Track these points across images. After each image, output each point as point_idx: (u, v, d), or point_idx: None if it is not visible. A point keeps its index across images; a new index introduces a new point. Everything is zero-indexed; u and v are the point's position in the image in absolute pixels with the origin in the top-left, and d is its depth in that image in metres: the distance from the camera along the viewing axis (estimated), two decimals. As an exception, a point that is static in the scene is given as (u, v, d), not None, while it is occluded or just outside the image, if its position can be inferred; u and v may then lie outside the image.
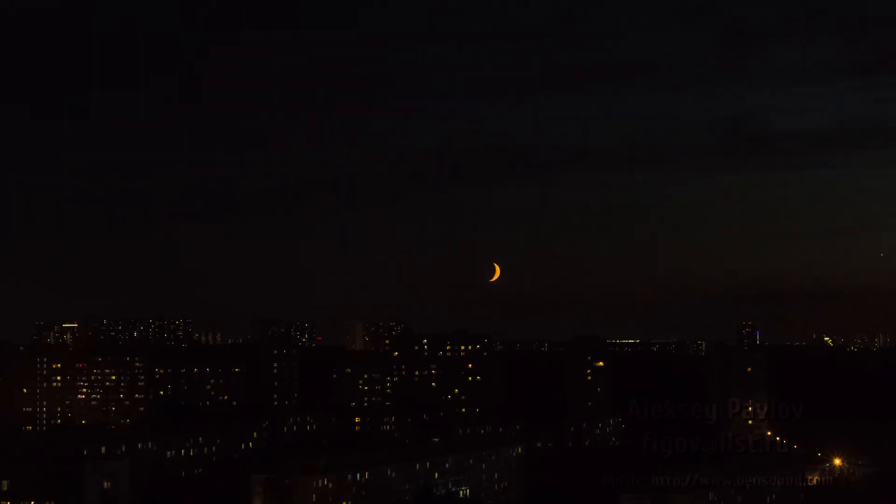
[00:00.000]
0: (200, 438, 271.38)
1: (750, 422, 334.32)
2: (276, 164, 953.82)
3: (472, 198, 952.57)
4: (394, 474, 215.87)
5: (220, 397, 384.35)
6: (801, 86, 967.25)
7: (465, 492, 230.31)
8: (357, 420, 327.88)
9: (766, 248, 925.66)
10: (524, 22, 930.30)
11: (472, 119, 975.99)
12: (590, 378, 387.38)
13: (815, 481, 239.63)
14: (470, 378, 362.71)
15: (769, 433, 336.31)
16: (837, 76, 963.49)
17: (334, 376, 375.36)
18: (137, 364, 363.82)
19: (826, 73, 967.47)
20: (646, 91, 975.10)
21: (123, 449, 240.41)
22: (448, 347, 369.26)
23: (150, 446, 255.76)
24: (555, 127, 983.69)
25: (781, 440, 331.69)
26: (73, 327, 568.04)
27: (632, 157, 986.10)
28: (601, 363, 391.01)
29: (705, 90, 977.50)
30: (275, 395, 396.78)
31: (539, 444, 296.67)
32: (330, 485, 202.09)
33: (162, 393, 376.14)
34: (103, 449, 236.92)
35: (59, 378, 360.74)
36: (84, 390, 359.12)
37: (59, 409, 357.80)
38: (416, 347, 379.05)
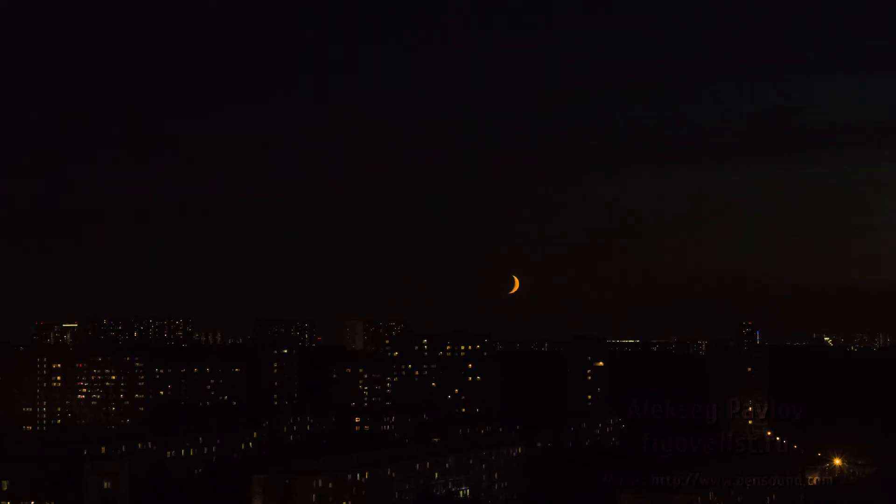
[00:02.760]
0: (200, 438, 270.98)
1: (750, 422, 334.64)
2: (275, 164, 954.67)
3: (472, 197, 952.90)
4: (394, 474, 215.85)
5: (220, 397, 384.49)
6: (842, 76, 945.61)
7: (465, 492, 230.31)
8: (357, 420, 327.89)
9: (766, 246, 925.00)
10: (560, 11, 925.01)
11: (475, 117, 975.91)
12: (590, 378, 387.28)
13: (815, 481, 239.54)
14: (470, 378, 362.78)
15: (769, 433, 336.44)
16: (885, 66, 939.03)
17: (334, 376, 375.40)
18: (137, 364, 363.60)
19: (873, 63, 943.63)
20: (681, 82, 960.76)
21: (123, 449, 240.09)
22: (448, 347, 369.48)
23: (150, 446, 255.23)
24: (558, 123, 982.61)
25: (781, 440, 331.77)
26: (73, 327, 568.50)
27: (630, 155, 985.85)
28: (601, 363, 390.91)
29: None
30: (275, 395, 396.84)
31: (539, 444, 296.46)
32: (330, 485, 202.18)
33: (162, 393, 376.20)
34: (103, 449, 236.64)
35: (59, 378, 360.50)
36: (84, 390, 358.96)
37: (59, 409, 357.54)
38: (416, 347, 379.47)
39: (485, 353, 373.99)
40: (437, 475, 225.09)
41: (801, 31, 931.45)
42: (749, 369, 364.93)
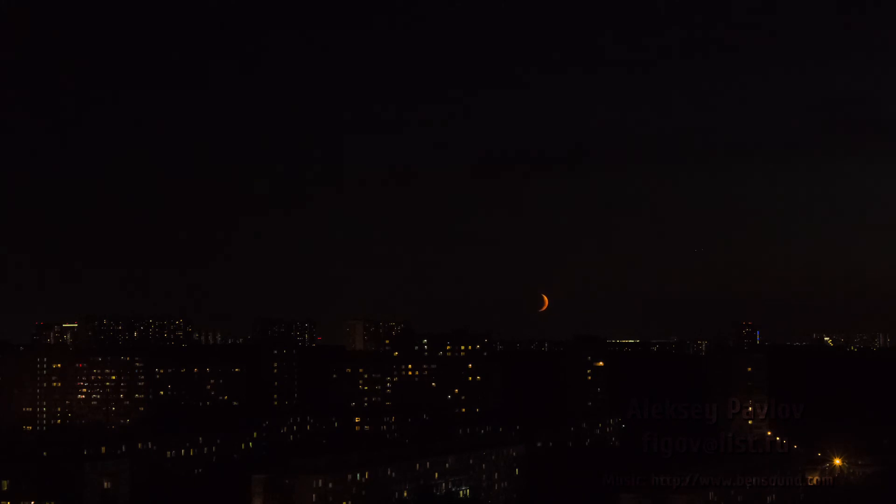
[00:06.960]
0: (200, 438, 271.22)
1: (750, 422, 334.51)
2: (274, 164, 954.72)
3: (471, 196, 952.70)
4: (394, 474, 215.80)
5: (220, 397, 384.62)
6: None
7: (465, 492, 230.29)
8: (357, 420, 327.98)
9: (767, 246, 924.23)
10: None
11: (479, 117, 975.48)
12: (590, 378, 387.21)
13: (815, 481, 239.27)
14: (470, 378, 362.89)
15: (769, 433, 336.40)
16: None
17: (334, 376, 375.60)
18: (137, 364, 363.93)
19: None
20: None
21: (123, 449, 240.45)
22: (448, 347, 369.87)
23: (150, 446, 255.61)
24: (558, 123, 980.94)
25: (781, 440, 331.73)
26: (73, 327, 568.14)
27: (632, 154, 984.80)
28: (601, 363, 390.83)
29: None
30: (275, 395, 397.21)
31: (539, 444, 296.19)
32: (330, 485, 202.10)
33: (162, 393, 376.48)
34: (103, 449, 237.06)
35: (59, 378, 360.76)
36: (84, 390, 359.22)
37: (59, 409, 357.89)
38: (416, 347, 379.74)
39: (485, 353, 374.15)
40: (437, 475, 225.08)
41: (869, 20, 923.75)
42: (749, 369, 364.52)
